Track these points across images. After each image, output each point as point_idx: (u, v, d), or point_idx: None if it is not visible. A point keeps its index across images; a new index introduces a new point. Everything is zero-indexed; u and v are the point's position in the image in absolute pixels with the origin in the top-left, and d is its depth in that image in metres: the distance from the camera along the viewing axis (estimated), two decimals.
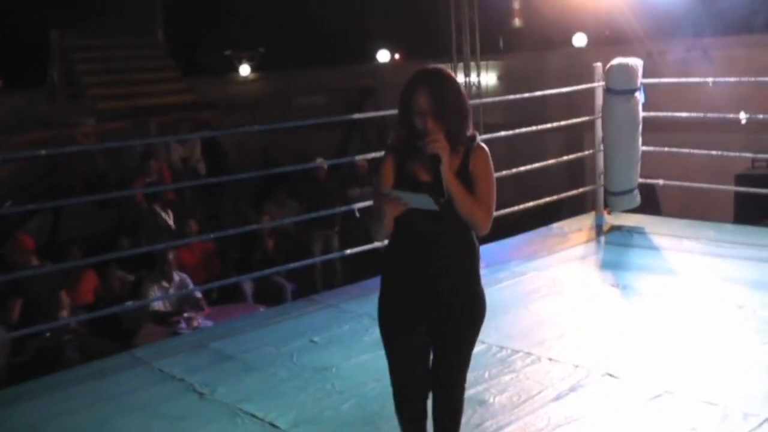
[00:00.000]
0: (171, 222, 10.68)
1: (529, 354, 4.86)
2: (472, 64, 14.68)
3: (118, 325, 8.33)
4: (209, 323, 7.85)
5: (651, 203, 9.67)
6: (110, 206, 12.36)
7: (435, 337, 3.32)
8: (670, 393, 4.26)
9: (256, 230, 10.22)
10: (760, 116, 7.63)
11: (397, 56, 20.38)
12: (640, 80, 7.36)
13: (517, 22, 17.52)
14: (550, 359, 4.77)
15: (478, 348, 4.87)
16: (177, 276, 8.67)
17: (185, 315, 8.10)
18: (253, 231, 10.00)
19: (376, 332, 5.24)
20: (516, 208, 7.37)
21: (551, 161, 7.95)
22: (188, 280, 8.74)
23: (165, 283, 8.49)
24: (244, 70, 21.22)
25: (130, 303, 8.09)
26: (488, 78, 15.54)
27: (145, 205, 11.00)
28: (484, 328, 5.19)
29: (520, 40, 16.86)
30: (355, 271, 8.28)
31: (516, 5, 17.10)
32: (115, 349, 6.31)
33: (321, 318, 5.80)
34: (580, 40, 15.88)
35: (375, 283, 6.37)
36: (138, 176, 12.33)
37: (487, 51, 15.56)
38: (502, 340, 5.07)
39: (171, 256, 8.56)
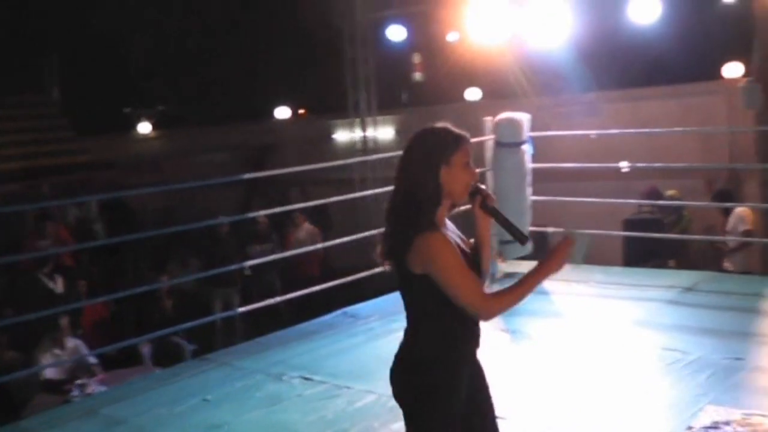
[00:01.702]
0: (59, 287, 10.36)
1: None
2: (369, 119, 14.94)
3: (8, 396, 8.05)
4: (103, 388, 7.69)
5: (543, 250, 9.91)
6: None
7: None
8: (551, 429, 4.43)
9: (155, 290, 10.08)
10: (639, 164, 7.98)
11: (300, 112, 20.58)
12: (528, 133, 7.64)
13: (417, 76, 17.94)
14: None
15: (368, 399, 4.99)
16: (71, 342, 8.47)
17: (78, 382, 7.89)
18: (151, 291, 9.86)
19: (268, 388, 5.32)
20: None
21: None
22: (83, 346, 8.55)
23: (57, 351, 8.28)
24: (144, 127, 21.06)
25: (19, 373, 7.83)
26: (386, 132, 15.82)
27: (32, 272, 10.69)
28: (375, 378, 5.30)
29: (422, 94, 17.25)
30: (256, 327, 8.27)
31: (416, 59, 17.51)
32: (0, 422, 6.11)
33: (214, 376, 5.77)
34: (474, 94, 16.33)
35: (271, 339, 6.44)
36: (29, 240, 12.02)
37: (390, 105, 15.89)
38: None
39: (63, 322, 8.37)
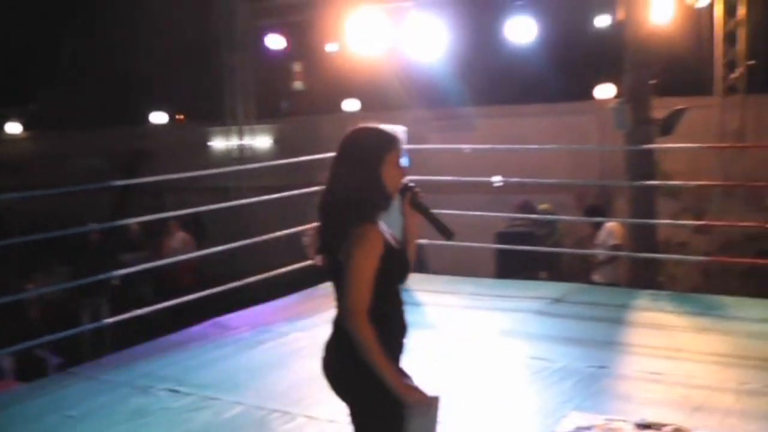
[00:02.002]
0: None
1: (286, 413, 4.91)
2: (246, 128, 14.81)
3: None
4: None
5: (418, 262, 10.04)
6: None
7: None
8: None
9: (20, 300, 9.68)
10: (512, 179, 8.17)
11: (179, 117, 20.21)
12: (404, 145, 7.69)
13: (297, 85, 17.90)
14: (307, 416, 4.84)
15: (235, 410, 4.93)
16: None
17: None
18: (16, 301, 9.46)
19: (133, 402, 5.18)
20: (285, 269, 7.44)
21: (315, 224, 8.06)
22: None
23: None
24: (13, 128, 20.22)
25: None
26: (264, 141, 15.71)
27: None
28: (243, 389, 5.24)
29: (302, 103, 17.21)
30: (127, 339, 8.04)
31: (297, 69, 17.46)
32: None
33: (79, 391, 5.56)
34: (352, 105, 16.41)
35: (139, 350, 6.28)
36: None
37: (270, 114, 15.79)
38: (261, 400, 5.10)
39: None
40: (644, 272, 10.01)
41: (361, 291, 2.90)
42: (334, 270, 3.03)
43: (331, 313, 6.96)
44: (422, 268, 10.57)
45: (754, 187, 11.87)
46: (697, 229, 12.23)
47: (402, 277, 3.13)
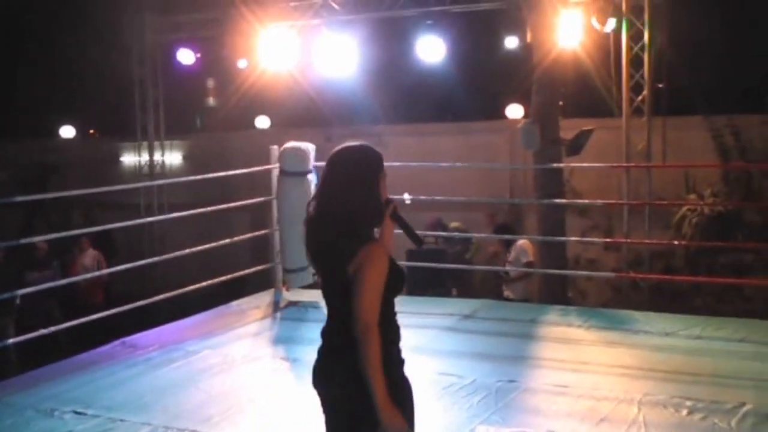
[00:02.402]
0: None
1: None
2: (157, 143, 14.60)
3: None
4: None
5: None
6: None
7: None
8: None
9: None
10: (422, 197, 8.25)
11: (91, 132, 19.80)
12: (313, 163, 7.73)
13: (211, 101, 17.73)
14: None
15: (143, 431, 4.83)
16: None
17: None
18: None
19: (38, 425, 5.03)
20: (195, 286, 7.35)
21: (227, 240, 8.00)
22: None
23: None
24: None
25: None
26: (175, 157, 15.50)
27: None
28: (151, 409, 5.14)
29: (215, 119, 17.06)
30: (33, 359, 7.79)
31: (210, 84, 17.30)
32: None
33: None
34: (263, 122, 16.34)
35: (45, 371, 6.10)
36: None
37: (183, 130, 15.59)
38: (169, 420, 5.01)
39: None
40: (555, 288, 10.23)
41: (374, 305, 3.06)
42: (336, 285, 3.16)
43: (240, 330, 6.94)
44: None
45: (660, 206, 12.24)
46: (606, 246, 12.56)
47: (401, 289, 3.30)
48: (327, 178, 3.23)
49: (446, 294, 10.45)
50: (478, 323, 7.33)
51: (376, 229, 3.31)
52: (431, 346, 6.55)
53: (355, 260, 3.06)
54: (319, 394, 3.30)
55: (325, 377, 3.24)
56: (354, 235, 3.12)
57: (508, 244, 9.51)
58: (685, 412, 5.08)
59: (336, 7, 8.80)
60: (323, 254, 3.22)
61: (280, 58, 8.62)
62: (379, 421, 3.03)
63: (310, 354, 6.18)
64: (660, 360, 6.14)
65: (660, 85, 12.77)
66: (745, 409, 5.09)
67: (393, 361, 3.21)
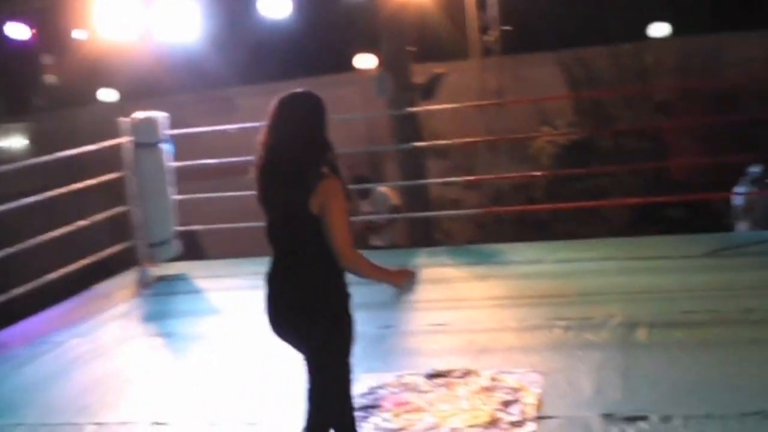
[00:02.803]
0: None
1: (73, 424, 4.62)
2: None
3: None
4: None
5: (194, 249, 9.84)
6: None
7: None
8: (215, 425, 4.42)
9: None
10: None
11: None
12: (166, 132, 7.48)
13: (51, 77, 16.92)
14: (96, 424, 4.58)
15: None
16: None
17: None
18: None
19: None
20: (52, 275, 7.00)
21: (82, 222, 7.63)
22: None
23: None
24: None
25: None
26: (16, 141, 14.78)
27: None
28: (23, 408, 4.89)
29: (56, 97, 16.31)
30: None
31: (48, 60, 16.48)
32: None
33: None
34: (110, 94, 15.74)
35: None
36: None
37: (21, 110, 14.84)
38: (44, 416, 4.78)
39: None
40: (421, 232, 10.35)
41: (346, 232, 3.29)
42: (297, 219, 3.31)
43: (109, 313, 6.69)
44: (199, 254, 10.36)
45: (516, 140, 12.52)
46: (468, 185, 12.78)
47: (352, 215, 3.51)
48: (277, 123, 3.35)
49: None
50: (349, 275, 7.30)
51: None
52: None
53: (314, 198, 3.24)
54: (290, 332, 3.46)
55: (303, 312, 3.37)
56: (309, 174, 3.27)
57: (364, 195, 9.45)
58: (559, 332, 5.26)
59: None
60: (280, 197, 3.35)
61: (119, 27, 8.23)
62: (397, 287, 3.49)
63: (184, 327, 6.12)
64: (530, 287, 6.31)
65: (506, 28, 13.02)
66: (614, 321, 5.31)
67: (344, 293, 3.43)
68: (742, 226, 8.82)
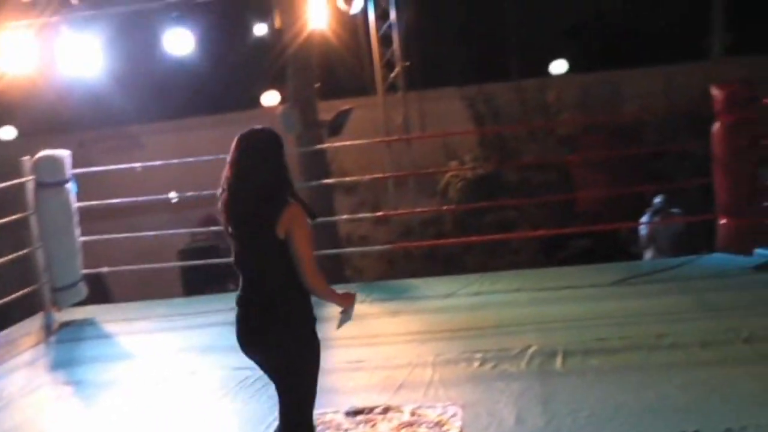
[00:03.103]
0: None
1: None
2: None
3: None
4: None
5: (101, 292, 9.60)
6: None
7: None
8: None
9: None
10: (188, 194, 8.00)
11: None
12: (70, 171, 7.27)
13: None
14: None
15: None
16: None
17: None
18: None
19: None
20: None
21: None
22: None
23: None
24: None
25: None
26: None
27: None
28: None
29: None
30: None
31: None
32: None
33: None
34: (8, 132, 15.23)
35: None
36: None
37: None
38: None
39: None
40: (331, 269, 10.26)
41: (311, 254, 3.56)
42: (263, 244, 3.54)
43: (13, 362, 6.39)
44: (106, 297, 10.08)
45: (423, 175, 12.62)
46: (376, 221, 12.81)
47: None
48: (240, 157, 3.58)
49: (224, 290, 10.23)
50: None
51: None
52: (220, 343, 6.36)
53: (281, 224, 3.49)
54: (258, 353, 3.69)
55: (271, 334, 3.58)
56: (273, 202, 3.52)
57: None
58: (476, 364, 5.28)
59: (74, 1, 8.28)
60: (247, 224, 3.57)
61: (19, 62, 7.96)
62: (343, 310, 3.76)
63: (93, 374, 5.90)
64: (445, 320, 6.31)
65: (407, 63, 13.14)
66: (531, 351, 5.36)
67: (310, 315, 3.64)
68: (648, 255, 9.09)
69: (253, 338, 3.63)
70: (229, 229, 3.63)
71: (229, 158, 3.61)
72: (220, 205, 3.64)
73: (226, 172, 3.60)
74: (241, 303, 3.65)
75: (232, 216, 3.60)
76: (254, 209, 3.55)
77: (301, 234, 3.51)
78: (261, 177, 3.56)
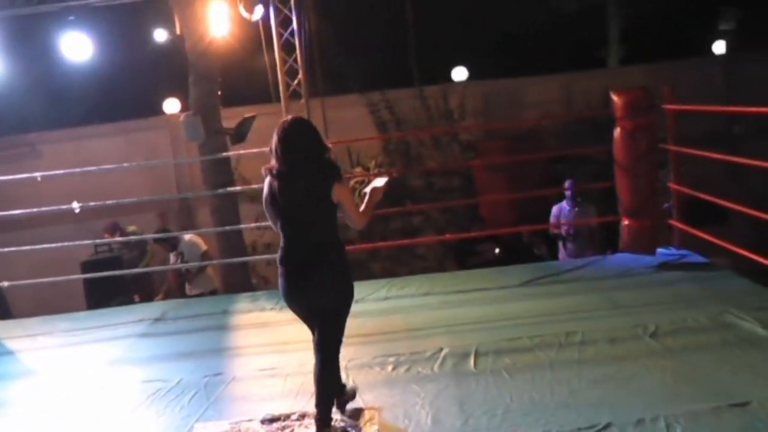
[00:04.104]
0: None
1: None
2: None
3: None
4: None
5: (3, 307, 9.27)
6: None
7: None
8: None
9: None
10: (92, 203, 7.81)
11: None
12: None
13: None
14: None
15: None
16: None
17: None
18: None
19: None
20: None
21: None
22: None
23: None
24: None
25: None
26: None
27: None
28: None
29: None
30: None
31: None
32: None
33: None
34: None
35: None
36: None
37: None
38: None
39: None
40: (238, 278, 10.15)
41: (357, 209, 4.53)
42: (318, 203, 4.38)
43: None
44: (6, 313, 9.72)
45: None
46: None
47: None
48: (287, 143, 4.36)
49: (130, 301, 10.01)
50: (171, 324, 7.12)
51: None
52: (129, 356, 6.25)
53: (334, 192, 4.36)
54: (308, 296, 4.44)
55: (317, 276, 4.37)
56: (325, 176, 4.36)
57: (174, 247, 9.21)
58: (390, 368, 5.32)
59: None
60: (303, 194, 4.35)
61: None
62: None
63: (2, 392, 5.62)
64: (356, 326, 6.21)
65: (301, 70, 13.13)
66: (443, 353, 5.43)
67: (350, 264, 4.53)
68: (561, 255, 9.34)
69: (305, 283, 4.37)
70: (281, 198, 4.36)
71: (275, 143, 4.37)
72: (271, 180, 4.41)
73: (277, 154, 4.35)
74: (286, 261, 4.42)
75: (287, 190, 4.35)
76: (311, 183, 4.34)
77: (349, 197, 4.49)
78: (311, 157, 4.36)
